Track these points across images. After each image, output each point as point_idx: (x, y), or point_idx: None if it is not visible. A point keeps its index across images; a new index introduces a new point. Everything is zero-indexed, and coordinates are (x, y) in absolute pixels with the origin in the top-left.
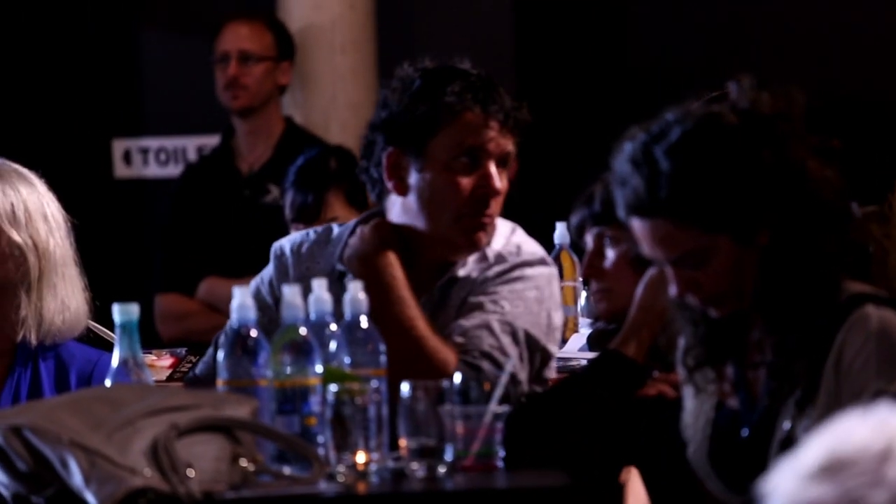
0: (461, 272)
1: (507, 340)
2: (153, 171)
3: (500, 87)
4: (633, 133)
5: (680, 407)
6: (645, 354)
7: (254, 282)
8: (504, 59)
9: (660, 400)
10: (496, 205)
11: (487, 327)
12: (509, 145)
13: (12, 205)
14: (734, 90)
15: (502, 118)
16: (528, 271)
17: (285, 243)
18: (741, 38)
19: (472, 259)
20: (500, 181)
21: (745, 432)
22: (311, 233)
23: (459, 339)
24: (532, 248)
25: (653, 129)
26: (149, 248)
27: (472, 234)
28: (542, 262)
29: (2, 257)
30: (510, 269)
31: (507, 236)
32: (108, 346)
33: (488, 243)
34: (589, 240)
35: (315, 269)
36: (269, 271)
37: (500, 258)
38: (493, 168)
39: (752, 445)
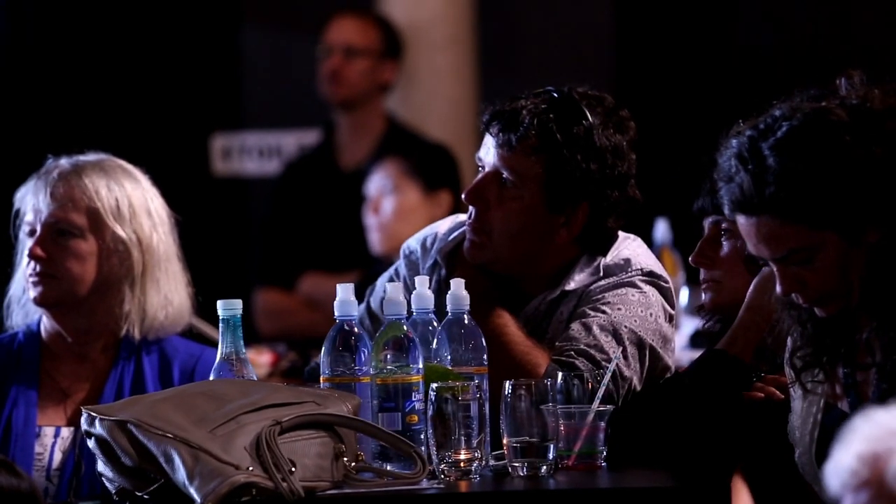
0: (571, 285)
1: (605, 338)
2: (251, 167)
3: (525, 108)
4: (739, 128)
5: (788, 409)
6: (751, 355)
7: (382, 280)
8: (605, 52)
9: (767, 402)
10: (479, 214)
11: (585, 328)
12: (506, 160)
13: (117, 200)
14: (844, 85)
15: (499, 140)
16: (632, 280)
17: (412, 242)
18: (853, 30)
19: (585, 272)
20: (477, 191)
21: None
22: (438, 227)
23: (557, 344)
24: (644, 261)
25: (759, 125)
26: (249, 245)
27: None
28: (650, 274)
29: (106, 252)
30: (615, 282)
31: (619, 248)
32: (210, 342)
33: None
34: (706, 226)
35: None
36: (402, 271)
37: (608, 271)
38: (477, 178)
39: None
